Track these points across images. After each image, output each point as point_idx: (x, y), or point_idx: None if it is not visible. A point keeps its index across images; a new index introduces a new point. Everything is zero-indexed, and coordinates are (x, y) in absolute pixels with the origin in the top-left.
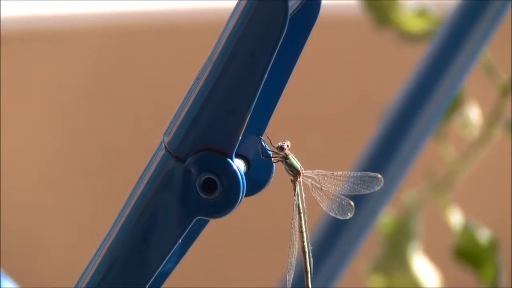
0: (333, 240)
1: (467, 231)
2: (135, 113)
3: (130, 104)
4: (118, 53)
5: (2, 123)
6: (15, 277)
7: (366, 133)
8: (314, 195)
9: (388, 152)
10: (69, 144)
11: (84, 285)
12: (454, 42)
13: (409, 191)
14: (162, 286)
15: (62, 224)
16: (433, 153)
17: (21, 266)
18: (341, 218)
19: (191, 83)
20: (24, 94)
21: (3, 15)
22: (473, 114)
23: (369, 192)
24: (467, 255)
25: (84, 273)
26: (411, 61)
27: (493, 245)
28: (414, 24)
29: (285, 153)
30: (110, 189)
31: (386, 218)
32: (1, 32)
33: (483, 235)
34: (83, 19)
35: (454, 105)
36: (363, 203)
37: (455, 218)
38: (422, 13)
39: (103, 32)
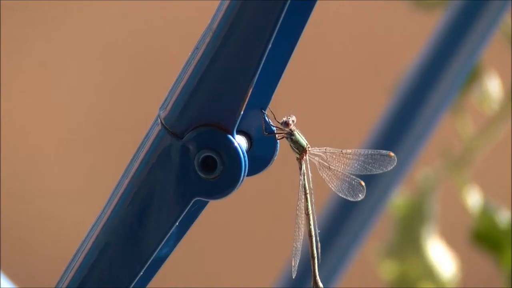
0: (342, 223)
1: (486, 213)
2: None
3: (159, 75)
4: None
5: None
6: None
7: (378, 107)
8: (321, 175)
9: (401, 128)
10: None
11: (74, 271)
12: (472, 8)
13: (423, 169)
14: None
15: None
16: (450, 129)
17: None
18: (351, 199)
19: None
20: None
21: None
22: (493, 86)
23: (381, 171)
24: (485, 238)
25: (73, 258)
26: (427, 29)
27: None
28: None
29: (290, 129)
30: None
31: (399, 199)
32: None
33: (503, 217)
34: None
35: (472, 76)
36: (374, 183)
37: (473, 198)
38: None
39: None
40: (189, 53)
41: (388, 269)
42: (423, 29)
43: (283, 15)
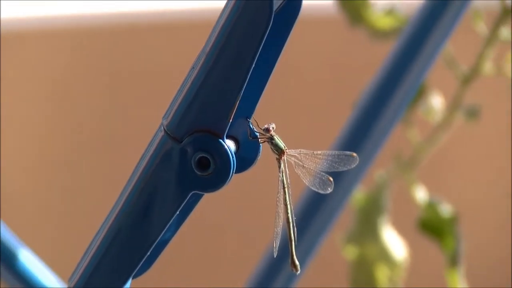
0: (313, 212)
1: (431, 206)
2: (125, 106)
3: (121, 99)
4: (107, 51)
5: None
6: None
7: (342, 118)
8: (297, 172)
9: (361, 135)
10: (57, 139)
11: (94, 250)
12: (419, 38)
13: (379, 170)
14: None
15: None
16: (401, 136)
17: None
18: (321, 192)
19: (188, 71)
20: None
21: (2, 16)
22: (436, 101)
23: (345, 169)
24: (430, 227)
25: (92, 241)
26: (382, 55)
27: (454, 219)
28: (384, 22)
29: (271, 134)
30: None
31: (359, 194)
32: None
33: (445, 209)
34: (71, 18)
35: (419, 93)
36: (340, 179)
37: (420, 194)
38: (390, 12)
39: (87, 31)
40: (188, 71)
41: (350, 252)
42: (379, 56)
43: (263, 42)
